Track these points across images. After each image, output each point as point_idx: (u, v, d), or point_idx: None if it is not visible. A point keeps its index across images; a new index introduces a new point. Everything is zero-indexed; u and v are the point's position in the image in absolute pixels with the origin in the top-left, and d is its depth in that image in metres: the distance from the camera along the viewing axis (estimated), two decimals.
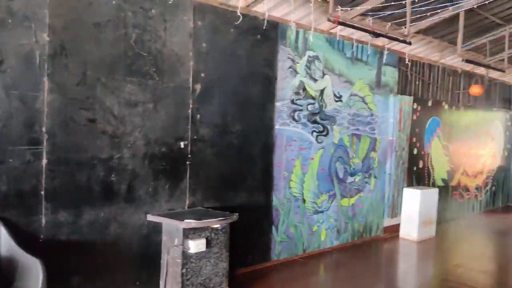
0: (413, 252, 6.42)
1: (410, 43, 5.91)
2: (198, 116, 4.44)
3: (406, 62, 6.83)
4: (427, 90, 7.83)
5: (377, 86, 6.60)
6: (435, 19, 6.28)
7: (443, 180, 8.22)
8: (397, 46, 6.94)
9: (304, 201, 5.59)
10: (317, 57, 5.64)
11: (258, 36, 4.98)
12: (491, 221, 8.76)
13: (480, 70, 9.20)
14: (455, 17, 6.58)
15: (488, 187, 9.74)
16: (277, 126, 5.24)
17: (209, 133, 4.55)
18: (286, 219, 5.39)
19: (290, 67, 5.33)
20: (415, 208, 6.73)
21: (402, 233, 6.88)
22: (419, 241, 6.69)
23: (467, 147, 8.88)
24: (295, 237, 5.52)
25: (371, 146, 6.56)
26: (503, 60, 7.59)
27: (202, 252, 3.91)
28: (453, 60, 8.28)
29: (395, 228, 7.03)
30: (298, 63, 5.41)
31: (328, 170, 5.89)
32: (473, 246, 6.95)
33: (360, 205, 6.45)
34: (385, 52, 6.61)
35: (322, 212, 5.86)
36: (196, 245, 3.85)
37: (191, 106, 4.38)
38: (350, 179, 6.24)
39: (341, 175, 6.09)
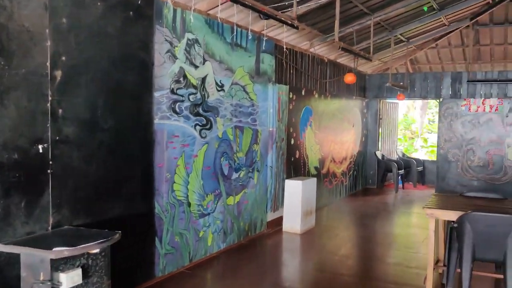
0: (297, 246, 6.36)
1: (297, 28, 5.73)
2: (60, 110, 3.54)
3: (285, 49, 6.68)
4: (300, 79, 7.86)
5: (257, 74, 6.31)
6: (312, 4, 6.23)
7: (316, 168, 8.41)
8: (273, 33, 6.75)
9: (189, 204, 5.03)
10: (196, 41, 5.08)
11: (131, 13, 4.22)
12: (356, 205, 9.30)
13: (343, 60, 9.65)
14: (328, 5, 6.64)
15: (351, 172, 10.37)
16: (156, 121, 4.56)
17: (75, 132, 3.68)
18: (170, 228, 4.77)
19: (168, 51, 4.68)
20: (297, 200, 6.68)
21: (285, 226, 6.78)
22: (302, 233, 6.67)
23: (334, 135, 9.25)
24: (180, 247, 4.93)
25: (253, 138, 6.27)
26: (367, 48, 8.00)
27: (77, 286, 3.10)
28: (321, 49, 8.47)
29: (278, 222, 6.91)
30: (176, 46, 4.78)
31: (213, 167, 5.41)
32: (347, 232, 7.23)
33: (245, 202, 6.12)
34: (264, 39, 6.35)
35: (208, 214, 5.37)
36: (70, 278, 3.02)
37: (50, 98, 3.45)
38: (235, 175, 5.86)
39: (226, 172, 5.67)
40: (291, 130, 7.37)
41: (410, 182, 12.07)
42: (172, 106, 4.74)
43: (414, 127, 17.22)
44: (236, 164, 5.87)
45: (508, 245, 3.81)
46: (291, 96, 7.31)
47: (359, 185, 11.01)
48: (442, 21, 9.40)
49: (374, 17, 7.54)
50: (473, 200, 4.67)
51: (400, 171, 11.03)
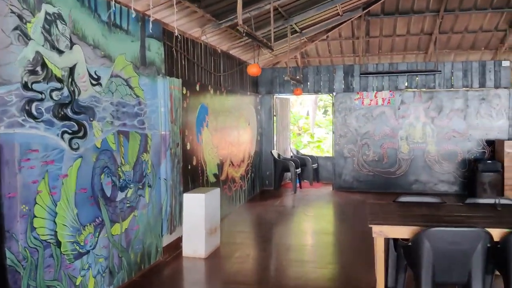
0: (202, 276, 5.28)
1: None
2: None
3: (176, 34, 5.50)
4: (194, 71, 6.75)
5: (143, 65, 5.06)
6: None
7: (215, 175, 7.39)
8: (160, 14, 5.54)
9: (59, 244, 3.64)
10: (60, 16, 3.69)
11: None
12: (258, 211, 8.49)
13: (236, 52, 8.75)
14: None
15: (249, 175, 9.54)
16: (1, 130, 3.13)
17: None
18: (32, 283, 3.35)
19: (16, 28, 3.25)
20: (199, 217, 5.58)
21: (186, 250, 5.64)
22: (207, 257, 5.59)
23: (231, 135, 8.32)
24: None
25: (142, 145, 5.01)
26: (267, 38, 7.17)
27: None
28: (214, 37, 7.46)
29: (177, 244, 5.75)
30: (29, 22, 3.37)
31: (90, 189, 4.06)
32: (256, 249, 6.34)
33: (135, 228, 4.85)
34: (150, 19, 5.11)
35: (87, 252, 4.01)
36: None
37: None
38: (120, 195, 4.56)
39: (108, 193, 4.34)
40: (186, 133, 6.24)
41: (306, 180, 11.69)
42: (26, 107, 3.32)
43: (302, 123, 17.16)
44: (121, 181, 4.58)
45: (473, 264, 3.20)
46: (184, 92, 6.17)
47: (256, 188, 10.25)
48: (337, 10, 9.01)
49: (274, 0, 6.73)
50: (416, 209, 4.05)
51: (297, 170, 10.53)
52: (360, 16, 9.88)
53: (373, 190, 10.28)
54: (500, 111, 9.74)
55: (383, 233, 3.40)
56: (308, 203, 9.24)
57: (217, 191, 6.03)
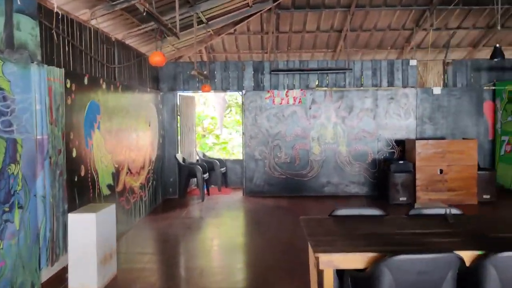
0: None
1: None
2: None
3: (55, 12, 4.35)
4: (81, 61, 5.58)
5: (9, 47, 3.87)
6: None
7: (109, 186, 6.26)
8: None
9: None
10: None
11: None
12: (162, 226, 7.49)
13: (134, 42, 7.66)
14: None
15: (150, 183, 8.47)
16: None
17: None
18: None
19: None
20: (89, 242, 4.48)
21: (73, 284, 4.50)
22: None
23: (129, 138, 7.21)
24: None
25: (9, 154, 3.82)
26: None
27: None
28: (107, 23, 6.34)
29: (60, 278, 4.60)
30: None
31: None
32: (162, 275, 5.38)
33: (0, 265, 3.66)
34: None
35: None
36: None
37: None
38: None
39: None
40: (71, 137, 5.08)
41: (214, 186, 10.87)
42: None
43: (206, 123, 16.30)
44: None
45: None
46: (68, 85, 5.02)
47: (159, 197, 9.19)
48: (247, 0, 8.31)
49: None
50: (359, 225, 3.42)
51: (204, 175, 9.67)
52: (270, 9, 9.30)
53: (285, 193, 9.78)
54: (408, 111, 9.79)
55: (333, 263, 2.69)
56: (218, 213, 8.42)
57: (111, 208, 4.96)
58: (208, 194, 10.06)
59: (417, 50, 10.54)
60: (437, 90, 9.82)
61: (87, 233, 4.47)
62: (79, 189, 5.25)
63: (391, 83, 9.84)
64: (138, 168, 7.67)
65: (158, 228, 7.33)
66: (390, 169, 8.81)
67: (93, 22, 5.96)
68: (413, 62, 9.86)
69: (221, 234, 7.11)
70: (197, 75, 7.76)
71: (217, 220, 7.87)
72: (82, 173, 5.34)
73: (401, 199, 8.76)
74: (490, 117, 10.14)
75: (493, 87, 10.17)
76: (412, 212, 3.72)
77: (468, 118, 9.90)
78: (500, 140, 10.05)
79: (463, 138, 9.59)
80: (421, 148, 8.72)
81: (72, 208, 4.94)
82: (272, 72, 9.69)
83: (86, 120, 5.48)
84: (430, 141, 8.90)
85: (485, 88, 10.03)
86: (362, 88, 9.81)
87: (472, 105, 9.90)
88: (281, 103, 9.78)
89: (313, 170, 9.82)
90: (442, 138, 9.81)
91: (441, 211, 3.66)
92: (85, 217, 4.48)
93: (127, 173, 7.06)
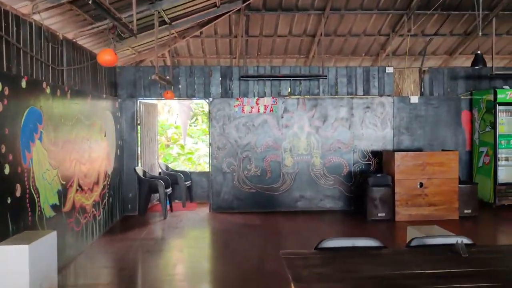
0: None
1: None
2: None
3: None
4: (19, 61, 4.77)
5: None
6: None
7: (54, 206, 5.43)
8: None
9: None
10: None
11: None
12: (119, 250, 6.67)
13: (87, 43, 6.87)
14: None
15: (105, 200, 7.63)
16: None
17: None
18: None
19: None
20: (21, 279, 3.68)
21: None
22: None
23: (79, 151, 6.39)
24: None
25: None
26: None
27: None
28: (54, 19, 5.56)
29: None
30: None
31: None
32: None
33: None
34: None
35: None
36: None
37: None
38: None
39: None
40: (3, 151, 4.26)
41: (178, 201, 10.10)
42: None
43: (170, 133, 15.47)
44: None
45: None
46: (0, 88, 4.21)
47: (116, 215, 8.35)
48: None
49: None
50: (356, 263, 2.78)
51: (167, 190, 8.89)
52: (239, 10, 8.69)
53: (255, 209, 9.12)
54: (384, 120, 9.34)
55: None
56: (182, 232, 7.67)
57: (51, 236, 4.17)
58: (171, 210, 9.27)
59: (392, 57, 10.15)
60: (414, 99, 9.42)
61: (18, 268, 3.67)
62: (14, 213, 4.42)
63: (367, 91, 9.38)
64: (90, 184, 6.84)
65: (114, 252, 6.51)
66: (368, 183, 8.29)
67: (36, 17, 5.17)
68: (389, 70, 9.44)
69: (185, 259, 6.36)
70: (158, 80, 7.02)
71: (181, 242, 7.11)
72: (18, 193, 4.52)
73: (379, 214, 8.25)
74: (467, 127, 9.82)
75: (470, 96, 9.88)
76: (414, 242, 3.12)
77: (446, 128, 9.54)
78: (478, 152, 9.73)
79: (442, 150, 9.20)
80: (400, 160, 8.24)
81: (4, 236, 4.12)
82: (241, 79, 9.05)
83: (23, 130, 4.66)
84: (409, 153, 8.46)
85: (462, 97, 9.71)
86: (337, 96, 9.30)
87: (450, 115, 9.56)
88: (251, 112, 9.14)
89: (285, 184, 9.21)
90: (419, 149, 9.40)
91: (448, 240, 3.09)
92: (15, 250, 3.68)
93: (77, 190, 6.23)
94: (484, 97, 9.61)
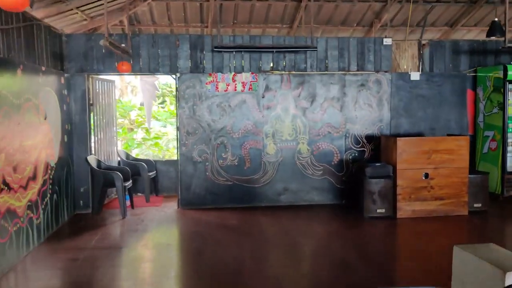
0: None
1: None
2: None
3: None
4: None
5: None
6: None
7: None
8: None
9: None
10: None
11: None
12: (59, 262, 5.32)
13: None
14: None
15: (47, 199, 6.20)
16: None
17: None
18: None
19: None
20: None
21: None
22: None
23: (6, 138, 4.93)
24: None
25: None
26: None
27: None
28: None
29: None
30: None
31: None
32: None
33: None
34: None
35: None
36: None
37: None
38: None
39: None
40: None
41: (141, 194, 8.75)
42: None
43: (134, 115, 13.93)
44: None
45: None
46: None
47: (64, 215, 6.93)
48: None
49: None
50: None
51: (127, 183, 7.51)
52: None
53: (232, 204, 7.87)
54: (381, 101, 8.16)
55: None
56: (144, 237, 6.34)
57: None
58: (132, 207, 7.91)
59: (388, 28, 8.92)
60: (415, 76, 8.26)
61: None
62: None
63: (361, 67, 8.16)
64: (23, 181, 5.40)
65: (53, 268, 5.13)
66: (366, 174, 7.12)
67: None
68: (387, 41, 8.22)
69: (145, 277, 5.03)
70: (109, 47, 5.57)
71: (141, 251, 5.78)
72: None
73: (378, 211, 7.11)
74: (470, 109, 8.75)
75: (475, 74, 8.80)
76: None
77: (450, 110, 8.44)
78: (483, 136, 8.70)
79: (448, 135, 8.11)
80: (403, 147, 7.09)
81: None
82: (215, 50, 7.67)
83: None
84: (413, 138, 7.31)
85: (468, 74, 8.61)
86: (327, 72, 8.04)
87: (455, 94, 8.44)
88: (226, 90, 7.79)
89: (267, 175, 7.96)
90: (420, 134, 8.29)
91: None
92: None
93: (1, 190, 4.80)
94: (491, 74, 8.55)
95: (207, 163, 7.82)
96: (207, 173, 7.84)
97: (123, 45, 6.68)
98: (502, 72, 8.21)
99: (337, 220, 7.15)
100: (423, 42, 8.95)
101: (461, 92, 8.45)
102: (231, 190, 7.89)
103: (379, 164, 7.26)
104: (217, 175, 7.86)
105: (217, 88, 7.77)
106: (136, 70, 7.67)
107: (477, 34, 9.87)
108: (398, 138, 7.09)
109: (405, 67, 8.94)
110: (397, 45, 8.74)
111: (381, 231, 6.60)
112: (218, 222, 6.98)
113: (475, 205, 7.36)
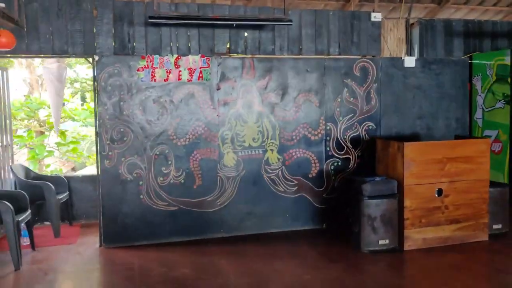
0: None
1: None
2: None
3: None
4: None
5: None
6: None
7: None
8: None
9: None
10: None
11: None
12: None
13: None
14: None
15: None
16: None
17: None
18: None
19: None
20: None
21: None
22: None
23: None
24: None
25: None
26: None
27: None
28: None
29: None
30: None
31: None
32: None
33: None
34: None
35: None
36: None
37: None
38: None
39: None
40: None
41: (47, 223, 6.39)
42: None
43: (43, 115, 11.25)
44: None
45: None
46: None
47: None
48: None
49: None
50: None
51: (22, 216, 5.14)
52: None
53: (177, 237, 5.76)
54: (369, 93, 6.36)
55: None
56: None
57: None
58: (33, 247, 5.55)
59: (368, 4, 7.18)
60: (409, 62, 6.52)
61: None
62: None
63: (344, 50, 6.34)
64: None
65: None
66: (363, 193, 5.27)
67: None
68: (376, 17, 6.47)
69: None
70: None
71: None
72: None
73: (380, 242, 5.29)
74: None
75: (470, 61, 7.33)
76: None
77: (450, 104, 6.81)
78: (482, 136, 7.22)
79: (456, 136, 6.48)
80: (411, 155, 5.30)
81: None
82: (149, 20, 5.48)
83: None
84: (423, 143, 5.58)
85: (469, 61, 7.08)
86: (301, 56, 6.12)
87: (455, 84, 6.82)
88: (167, 80, 5.63)
89: (225, 195, 5.91)
90: (417, 135, 6.62)
91: None
92: None
93: None
94: (490, 62, 7.08)
95: (141, 182, 5.62)
96: (141, 196, 5.64)
97: (2, 4, 4.31)
98: (509, 57, 6.75)
99: (327, 260, 5.19)
100: (411, 21, 7.33)
101: (462, 82, 6.86)
102: (175, 218, 5.75)
103: (380, 179, 5.43)
104: (156, 198, 5.69)
105: (154, 76, 5.58)
106: (31, 49, 5.30)
107: (466, 14, 8.43)
108: (405, 143, 5.29)
109: (390, 51, 7.25)
110: (381, 24, 7.01)
111: (390, 276, 4.77)
112: (157, 270, 4.82)
113: (494, 226, 5.77)
